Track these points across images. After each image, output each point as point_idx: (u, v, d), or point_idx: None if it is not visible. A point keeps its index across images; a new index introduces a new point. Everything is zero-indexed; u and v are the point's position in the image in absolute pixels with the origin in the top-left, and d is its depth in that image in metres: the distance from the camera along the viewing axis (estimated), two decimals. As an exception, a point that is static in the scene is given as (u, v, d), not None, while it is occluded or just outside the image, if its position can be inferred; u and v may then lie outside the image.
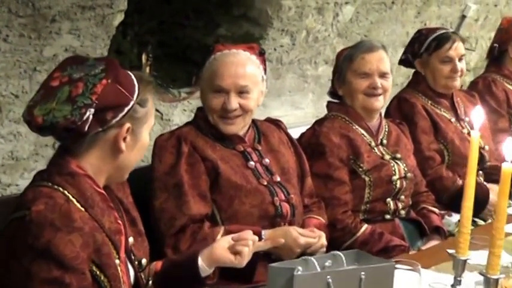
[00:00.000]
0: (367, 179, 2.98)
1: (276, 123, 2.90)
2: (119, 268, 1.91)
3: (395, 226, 3.05)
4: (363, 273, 1.91)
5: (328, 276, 1.88)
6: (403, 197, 3.06)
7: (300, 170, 2.85)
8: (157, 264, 2.22)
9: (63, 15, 3.46)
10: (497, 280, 1.91)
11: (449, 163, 3.50)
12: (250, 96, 2.62)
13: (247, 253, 2.15)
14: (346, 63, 3.06)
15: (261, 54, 2.70)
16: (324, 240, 2.65)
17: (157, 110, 3.92)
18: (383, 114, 3.27)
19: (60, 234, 1.76)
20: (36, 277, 1.75)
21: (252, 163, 2.67)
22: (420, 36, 3.62)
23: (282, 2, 4.25)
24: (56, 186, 1.85)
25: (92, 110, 1.81)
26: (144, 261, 2.06)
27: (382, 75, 3.03)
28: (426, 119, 3.48)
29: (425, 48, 3.55)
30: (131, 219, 2.08)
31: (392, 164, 3.04)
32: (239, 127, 2.67)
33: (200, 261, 2.16)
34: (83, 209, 1.85)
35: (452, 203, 3.32)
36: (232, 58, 2.63)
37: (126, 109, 1.86)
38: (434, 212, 3.19)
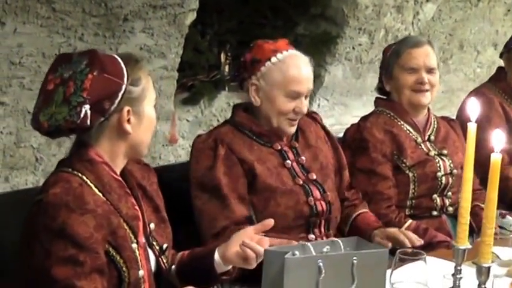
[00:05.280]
0: (411, 174, 2.96)
1: (311, 115, 2.87)
2: (136, 252, 1.98)
3: (442, 222, 3.00)
4: (354, 258, 1.92)
5: (320, 260, 1.89)
6: (450, 193, 3.01)
7: (337, 163, 2.85)
8: (184, 254, 2.25)
9: (134, 14, 3.62)
10: (488, 268, 1.90)
11: None
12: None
13: (254, 260, 2.10)
14: (393, 59, 3.05)
15: None
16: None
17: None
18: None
19: (74, 215, 1.84)
20: (54, 256, 1.83)
21: (288, 162, 2.66)
22: None
23: (357, 1, 4.28)
24: (75, 172, 1.94)
25: (87, 106, 1.89)
26: (165, 246, 2.12)
27: (429, 70, 3.01)
28: (501, 117, 3.36)
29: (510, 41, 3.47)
30: (154, 206, 2.14)
31: (437, 160, 3.00)
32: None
33: (217, 256, 2.15)
34: (100, 194, 1.93)
35: None
36: (301, 61, 2.62)
37: (120, 94, 1.92)
38: (487, 210, 3.12)
